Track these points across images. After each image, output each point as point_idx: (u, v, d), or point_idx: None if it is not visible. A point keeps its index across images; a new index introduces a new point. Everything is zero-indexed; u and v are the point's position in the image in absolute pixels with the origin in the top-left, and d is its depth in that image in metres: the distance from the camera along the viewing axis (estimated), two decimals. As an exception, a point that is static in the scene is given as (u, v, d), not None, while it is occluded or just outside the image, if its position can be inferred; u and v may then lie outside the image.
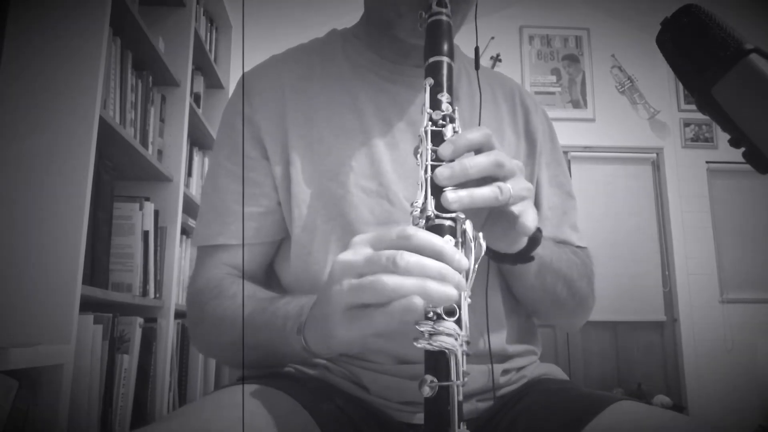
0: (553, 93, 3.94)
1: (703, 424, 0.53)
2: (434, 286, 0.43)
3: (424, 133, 0.53)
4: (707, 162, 3.90)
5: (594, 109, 3.93)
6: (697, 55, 0.45)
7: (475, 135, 0.53)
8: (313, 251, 0.69)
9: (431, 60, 0.57)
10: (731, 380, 3.55)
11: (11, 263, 1.20)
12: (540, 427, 0.61)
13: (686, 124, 3.95)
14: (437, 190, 0.50)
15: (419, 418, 0.64)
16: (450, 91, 0.55)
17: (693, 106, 3.21)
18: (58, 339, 1.17)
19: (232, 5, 2.80)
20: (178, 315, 1.92)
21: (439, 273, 0.43)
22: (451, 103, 0.55)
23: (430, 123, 0.54)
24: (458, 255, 0.45)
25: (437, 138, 0.53)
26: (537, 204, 0.79)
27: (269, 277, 0.78)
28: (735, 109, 0.44)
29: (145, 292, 1.69)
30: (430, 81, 0.56)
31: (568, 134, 3.80)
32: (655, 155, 3.95)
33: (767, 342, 3.57)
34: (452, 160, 0.51)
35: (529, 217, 0.54)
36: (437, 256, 0.45)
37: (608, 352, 3.68)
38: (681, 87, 3.64)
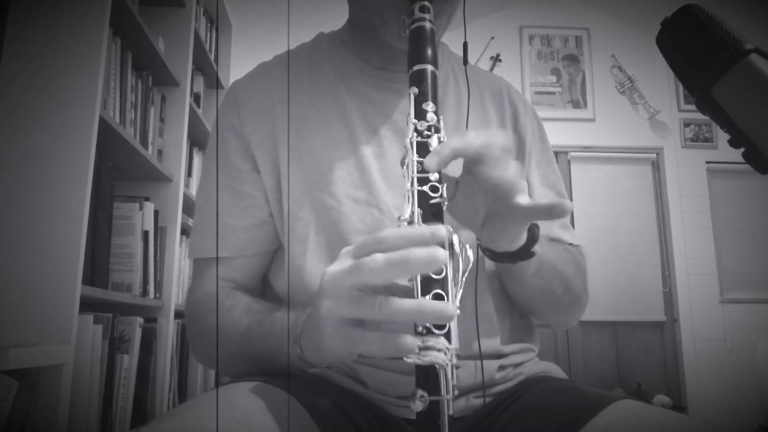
0: (553, 93, 3.94)
1: (703, 424, 0.53)
2: (428, 306, 0.43)
3: (409, 145, 0.53)
4: (707, 162, 3.90)
5: (594, 109, 3.93)
6: (697, 55, 0.44)
7: (458, 142, 0.52)
8: (306, 261, 0.70)
9: (415, 68, 0.57)
10: (731, 380, 3.55)
11: (11, 263, 1.20)
12: (538, 425, 0.61)
13: (686, 124, 3.95)
14: (424, 204, 0.50)
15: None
16: (435, 100, 0.55)
17: (693, 106, 3.21)
18: (58, 339, 1.17)
19: (232, 5, 2.80)
20: (178, 315, 1.92)
21: (401, 260, 0.42)
22: (436, 113, 0.55)
23: (415, 134, 0.53)
24: (429, 229, 0.45)
25: (423, 149, 0.53)
26: None
27: (265, 287, 0.79)
28: (735, 109, 0.44)
29: (145, 292, 1.69)
30: (415, 90, 0.56)
31: (568, 134, 3.80)
32: (655, 155, 3.96)
33: (767, 342, 3.57)
34: (438, 171, 0.51)
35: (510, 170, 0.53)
36: (410, 242, 0.44)
37: (608, 352, 3.68)
38: (681, 87, 3.64)
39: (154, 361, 1.72)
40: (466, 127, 0.71)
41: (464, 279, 0.48)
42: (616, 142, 3.90)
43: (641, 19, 3.91)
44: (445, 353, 0.44)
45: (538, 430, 0.61)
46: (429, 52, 0.58)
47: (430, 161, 0.51)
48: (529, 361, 0.75)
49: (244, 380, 0.61)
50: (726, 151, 3.86)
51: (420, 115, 0.54)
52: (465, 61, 0.73)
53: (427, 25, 0.59)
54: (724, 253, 3.80)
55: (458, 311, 0.46)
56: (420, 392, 0.44)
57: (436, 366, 0.44)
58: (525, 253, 0.61)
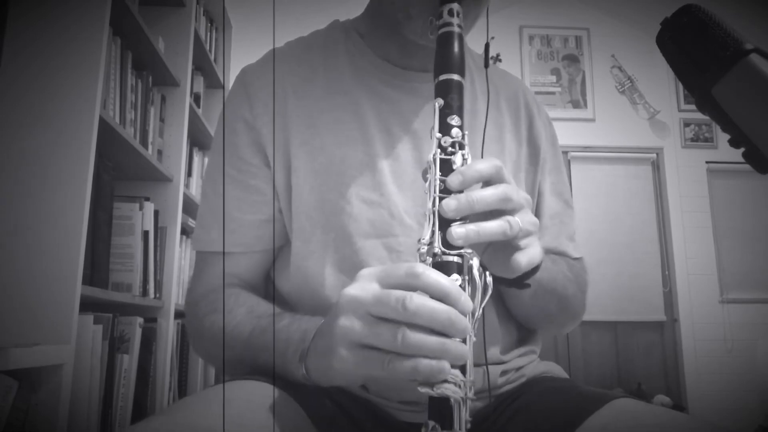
0: (553, 93, 3.93)
1: (703, 423, 0.53)
2: (453, 347, 0.43)
3: (432, 161, 0.51)
4: (707, 162, 3.89)
5: (594, 109, 3.93)
6: (697, 55, 0.45)
7: (485, 166, 0.51)
8: (312, 264, 0.68)
9: (441, 78, 0.54)
10: (731, 380, 3.55)
11: (11, 263, 1.20)
12: (538, 423, 0.61)
13: (686, 124, 3.95)
14: (444, 225, 0.48)
15: (419, 418, 0.64)
16: (460, 113, 0.53)
17: (693, 106, 3.21)
18: (58, 339, 1.17)
19: (232, 5, 2.80)
20: (178, 315, 1.92)
21: (448, 319, 0.43)
22: (461, 127, 0.53)
23: (439, 150, 0.51)
24: (463, 297, 0.45)
25: (446, 166, 0.51)
26: (538, 213, 0.78)
27: (267, 284, 0.77)
28: (735, 109, 0.44)
29: (145, 292, 1.69)
30: (440, 102, 0.53)
31: (568, 134, 3.79)
32: (655, 155, 3.95)
33: (767, 342, 3.57)
34: (461, 191, 0.50)
35: (528, 254, 0.53)
36: (443, 297, 0.44)
37: (608, 352, 3.68)
38: (681, 87, 3.64)
39: (154, 361, 1.72)
40: (484, 132, 0.68)
41: (483, 307, 0.47)
42: (616, 142, 3.90)
43: (641, 19, 3.91)
44: (460, 387, 0.44)
45: (538, 429, 0.60)
46: (456, 60, 0.54)
47: (453, 180, 0.50)
48: (530, 364, 0.75)
49: (242, 379, 0.60)
50: (726, 151, 3.86)
51: (445, 129, 0.52)
52: (486, 64, 0.69)
53: (456, 30, 0.56)
54: (724, 253, 3.80)
55: (474, 339, 0.46)
56: (432, 424, 0.43)
57: (450, 399, 0.43)
58: (520, 283, 0.59)
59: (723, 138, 3.70)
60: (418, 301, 0.43)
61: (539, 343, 0.78)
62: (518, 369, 0.72)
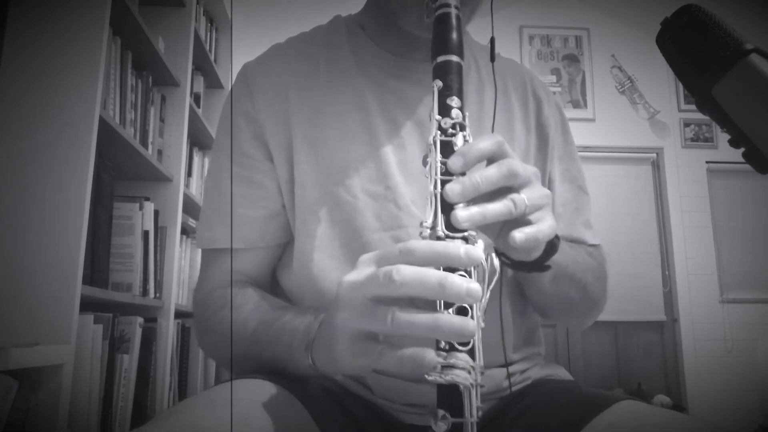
0: (553, 93, 3.93)
1: (703, 424, 0.53)
2: (446, 321, 0.40)
3: (432, 143, 0.49)
4: (707, 162, 3.89)
5: (594, 109, 3.93)
6: (697, 55, 0.45)
7: (486, 144, 0.49)
8: (317, 259, 0.67)
9: (439, 60, 0.52)
10: (731, 380, 3.55)
11: (11, 263, 1.20)
12: (541, 425, 0.61)
13: (686, 124, 3.95)
14: (447, 208, 0.46)
15: (425, 420, 0.63)
16: (460, 95, 0.51)
17: (693, 106, 3.21)
18: (58, 339, 1.17)
19: (233, 5, 2.80)
20: (178, 315, 1.93)
21: (438, 283, 0.40)
22: (461, 108, 0.51)
23: (439, 132, 0.50)
24: (463, 249, 0.42)
25: (447, 148, 0.49)
26: None
27: (273, 281, 0.76)
28: (735, 109, 0.44)
29: (145, 292, 1.69)
30: (439, 84, 0.51)
31: (568, 134, 3.79)
32: (655, 155, 3.95)
33: (767, 342, 3.57)
34: (463, 173, 0.48)
35: (537, 228, 0.51)
36: (442, 258, 0.42)
37: (608, 352, 3.68)
38: (681, 87, 3.64)
39: (154, 361, 1.72)
40: (492, 126, 0.67)
41: (490, 290, 0.45)
42: (616, 142, 3.90)
43: (641, 19, 3.91)
44: (469, 372, 0.41)
45: (542, 430, 0.60)
46: (455, 41, 0.53)
47: (454, 162, 0.48)
48: (535, 366, 0.74)
49: (246, 377, 0.60)
50: (726, 151, 3.86)
51: (444, 111, 0.50)
52: (492, 58, 0.68)
53: (453, 11, 0.54)
54: (724, 253, 3.80)
55: (483, 324, 0.43)
56: (441, 412, 0.41)
57: (460, 386, 0.41)
58: (541, 265, 0.57)
59: (723, 138, 3.71)
60: (405, 270, 0.41)
61: (543, 346, 0.78)
62: (524, 371, 0.71)
